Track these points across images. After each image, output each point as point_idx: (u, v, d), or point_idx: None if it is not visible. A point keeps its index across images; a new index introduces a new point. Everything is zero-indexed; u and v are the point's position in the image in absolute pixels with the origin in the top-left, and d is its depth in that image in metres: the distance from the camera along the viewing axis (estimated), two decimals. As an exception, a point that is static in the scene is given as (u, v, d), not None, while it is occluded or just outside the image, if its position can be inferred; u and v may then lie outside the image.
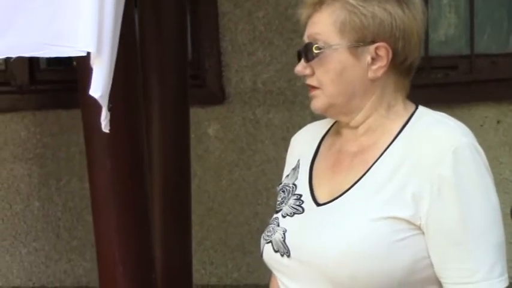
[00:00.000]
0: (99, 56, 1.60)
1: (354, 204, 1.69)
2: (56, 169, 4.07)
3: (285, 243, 1.74)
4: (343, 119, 1.77)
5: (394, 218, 1.64)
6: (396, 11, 1.70)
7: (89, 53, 1.62)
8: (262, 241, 1.80)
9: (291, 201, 1.79)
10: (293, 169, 1.86)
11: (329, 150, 1.81)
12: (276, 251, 1.76)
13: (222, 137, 3.91)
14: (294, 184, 1.82)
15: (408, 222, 1.65)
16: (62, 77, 4.06)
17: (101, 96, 1.59)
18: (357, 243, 1.64)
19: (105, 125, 1.67)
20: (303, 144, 1.88)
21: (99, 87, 1.59)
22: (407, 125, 1.73)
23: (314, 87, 1.74)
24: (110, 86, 1.63)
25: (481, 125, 3.68)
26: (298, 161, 1.85)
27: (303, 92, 3.73)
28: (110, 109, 1.64)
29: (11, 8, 1.61)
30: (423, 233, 1.66)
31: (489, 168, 1.70)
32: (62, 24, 1.59)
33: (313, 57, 1.71)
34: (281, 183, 1.87)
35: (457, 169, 1.63)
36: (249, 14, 3.83)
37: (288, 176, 1.87)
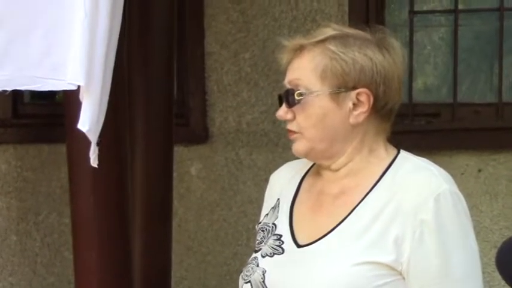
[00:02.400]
0: (89, 90, 1.60)
1: (335, 248, 1.69)
2: (35, 203, 4.04)
3: (264, 284, 1.74)
4: (324, 162, 1.78)
5: (376, 263, 1.65)
6: (377, 56, 1.72)
7: (79, 88, 1.62)
8: (241, 281, 1.80)
9: (271, 241, 1.79)
10: (272, 208, 1.86)
11: (309, 191, 1.82)
12: (255, 292, 1.75)
13: (204, 176, 3.90)
14: (273, 224, 1.82)
15: (390, 267, 1.66)
16: (45, 111, 4.05)
17: (88, 130, 1.59)
18: (339, 287, 1.64)
19: (93, 159, 1.66)
20: (282, 183, 1.88)
21: (87, 121, 1.59)
22: (390, 169, 1.74)
23: (294, 132, 1.75)
24: (101, 120, 1.63)
25: (462, 173, 3.69)
26: (278, 200, 1.86)
27: (286, 134, 3.72)
28: (98, 144, 1.63)
29: (7, 42, 1.62)
30: (404, 279, 1.67)
31: (469, 215, 1.72)
32: (56, 58, 1.59)
33: (295, 103, 1.72)
34: (260, 223, 1.87)
35: (438, 215, 1.65)
36: (236, 55, 3.85)
37: (267, 215, 1.87)
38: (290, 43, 1.76)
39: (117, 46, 1.84)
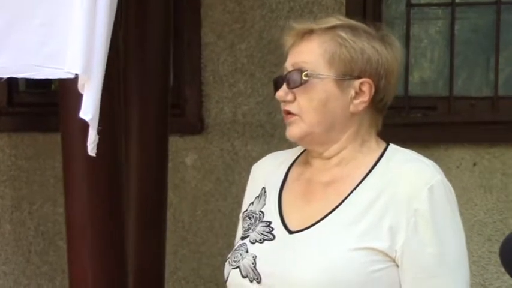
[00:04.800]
0: (90, 79, 1.60)
1: (330, 233, 1.71)
2: (30, 192, 4.03)
3: (256, 269, 1.74)
4: (318, 148, 1.79)
5: (371, 248, 1.67)
6: (382, 49, 1.74)
7: (76, 76, 1.61)
8: (228, 266, 1.80)
9: (260, 228, 1.80)
10: (257, 197, 1.87)
11: (298, 179, 1.83)
12: (244, 277, 1.75)
13: (199, 167, 3.90)
14: (261, 211, 1.83)
15: (384, 254, 1.68)
16: (40, 99, 4.04)
17: (91, 119, 1.59)
18: (336, 271, 1.66)
19: (92, 148, 1.66)
20: (266, 172, 1.90)
21: (89, 109, 1.59)
22: (382, 160, 1.77)
23: (292, 114, 1.75)
24: (98, 109, 1.63)
25: (457, 167, 3.70)
26: (263, 188, 1.87)
27: (282, 125, 3.71)
28: (98, 132, 1.63)
29: (3, 30, 1.61)
30: (397, 266, 1.69)
31: (457, 205, 1.76)
32: (53, 47, 1.59)
33: (300, 84, 1.72)
34: (246, 211, 1.87)
35: (432, 205, 1.68)
36: (232, 45, 3.85)
37: (252, 203, 1.87)
38: (299, 26, 1.77)
39: (113, 35, 1.83)
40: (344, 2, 3.76)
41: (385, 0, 3.83)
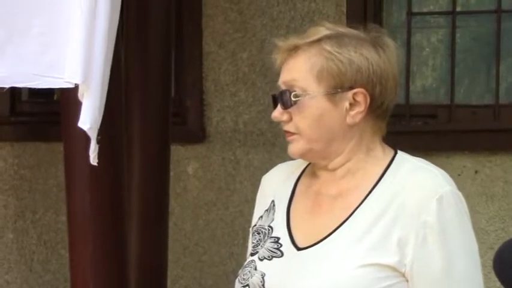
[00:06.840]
0: (89, 88, 1.61)
1: (337, 250, 1.68)
2: (32, 201, 4.04)
3: None
4: (321, 162, 1.76)
5: (379, 264, 1.64)
6: (372, 55, 1.70)
7: (76, 86, 1.62)
8: (238, 284, 1.77)
9: (268, 244, 1.77)
10: (267, 210, 1.84)
11: (306, 192, 1.80)
12: (253, 295, 1.74)
13: (200, 176, 3.91)
14: (269, 226, 1.80)
15: (393, 269, 1.65)
16: (43, 109, 4.05)
17: (89, 129, 1.60)
18: None
19: (93, 157, 1.66)
20: (275, 185, 1.86)
21: (88, 119, 1.60)
22: (389, 170, 1.73)
23: (291, 133, 1.73)
24: (100, 118, 1.63)
25: (459, 175, 3.70)
26: (272, 201, 1.83)
27: (283, 134, 3.72)
28: (98, 142, 1.63)
29: (4, 40, 1.62)
30: (407, 281, 1.66)
31: (469, 215, 1.72)
32: (54, 56, 1.59)
33: (291, 105, 1.71)
34: (255, 225, 1.85)
35: (441, 216, 1.65)
36: (233, 54, 3.85)
37: (261, 217, 1.84)
38: (284, 43, 1.74)
39: (114, 45, 1.84)
40: (345, 10, 3.77)
41: (386, 9, 3.84)
